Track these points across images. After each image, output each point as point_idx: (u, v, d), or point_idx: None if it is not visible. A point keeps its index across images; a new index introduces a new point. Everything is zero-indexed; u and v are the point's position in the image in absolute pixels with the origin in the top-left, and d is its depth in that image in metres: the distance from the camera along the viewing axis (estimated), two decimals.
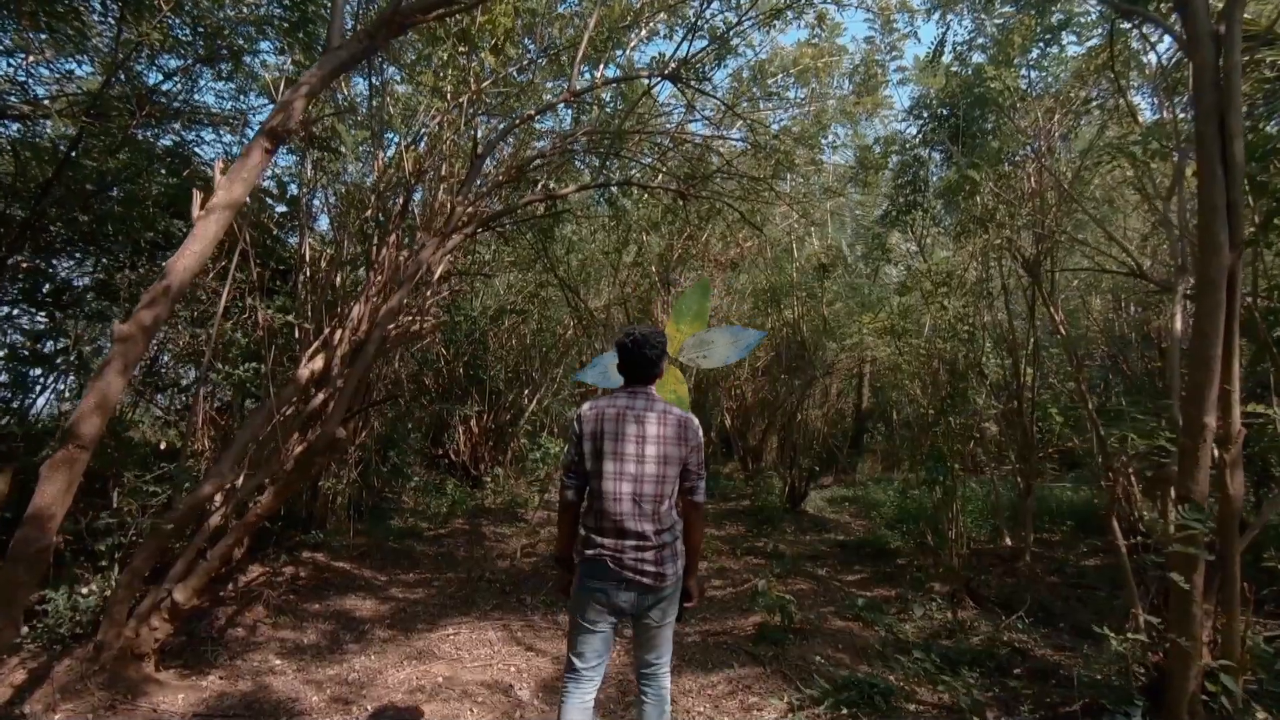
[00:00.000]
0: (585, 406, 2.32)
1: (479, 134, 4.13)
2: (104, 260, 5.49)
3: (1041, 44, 6.49)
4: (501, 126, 4.34)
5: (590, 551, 2.25)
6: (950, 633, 4.28)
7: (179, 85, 5.57)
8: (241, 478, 3.60)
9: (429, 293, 4.48)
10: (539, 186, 5.14)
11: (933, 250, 6.17)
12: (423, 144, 4.57)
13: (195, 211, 2.23)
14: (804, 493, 9.43)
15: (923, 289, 6.70)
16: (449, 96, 3.86)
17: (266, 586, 4.86)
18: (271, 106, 6.23)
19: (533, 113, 3.84)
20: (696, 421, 2.33)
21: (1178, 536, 2.64)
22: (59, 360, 5.33)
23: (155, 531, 3.22)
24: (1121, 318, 9.95)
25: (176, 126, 5.80)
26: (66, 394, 5.87)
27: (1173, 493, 3.17)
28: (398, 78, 5.77)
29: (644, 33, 5.71)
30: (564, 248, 8.22)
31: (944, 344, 5.64)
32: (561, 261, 8.09)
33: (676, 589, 2.31)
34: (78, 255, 5.63)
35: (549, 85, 6.05)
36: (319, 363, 3.97)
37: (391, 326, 4.32)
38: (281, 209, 5.92)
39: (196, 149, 6.00)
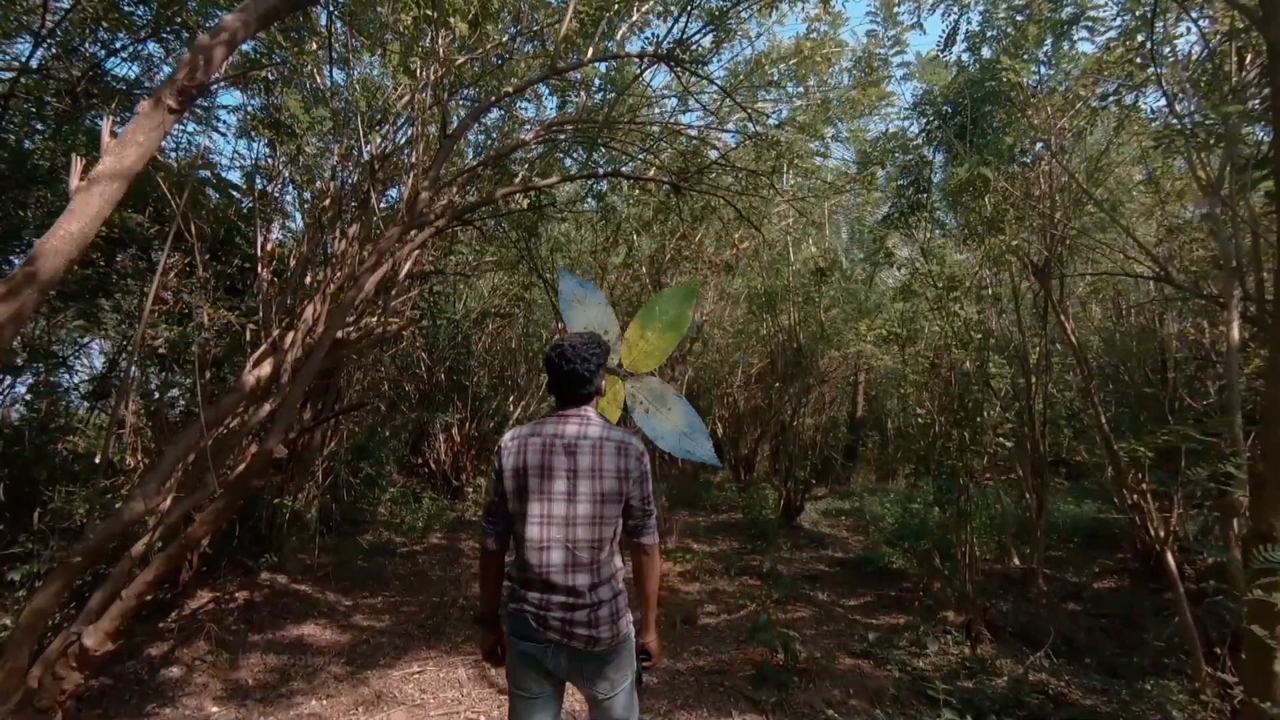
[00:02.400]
0: (506, 436, 1.92)
1: (450, 113, 3.71)
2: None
3: (1053, 37, 6.16)
4: (477, 106, 3.91)
5: (513, 605, 1.85)
6: (970, 671, 3.88)
7: (134, 69, 5.11)
8: (170, 500, 3.14)
9: (394, 291, 4.04)
10: (519, 179, 4.72)
11: (945, 252, 5.79)
12: (388, 129, 4.15)
13: (74, 182, 1.79)
14: (800, 506, 9.03)
15: (927, 295, 6.35)
16: (419, 72, 3.44)
17: (212, 617, 4.39)
18: (236, 91, 5.79)
19: (510, 89, 3.42)
20: (640, 446, 1.91)
21: (1260, 582, 2.24)
22: (18, 361, 4.91)
23: (63, 565, 2.75)
24: (1122, 326, 9.66)
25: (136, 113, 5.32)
26: (28, 396, 5.45)
27: (1236, 526, 2.79)
28: (372, 66, 5.36)
29: (635, 17, 5.32)
30: (549, 247, 7.80)
31: (956, 352, 5.25)
32: (546, 262, 7.66)
33: (622, 652, 1.87)
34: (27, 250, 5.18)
35: (534, 75, 5.64)
36: (267, 368, 3.52)
37: (351, 329, 3.89)
38: (248, 203, 5.48)
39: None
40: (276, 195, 5.48)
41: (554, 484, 1.81)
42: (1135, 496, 6.20)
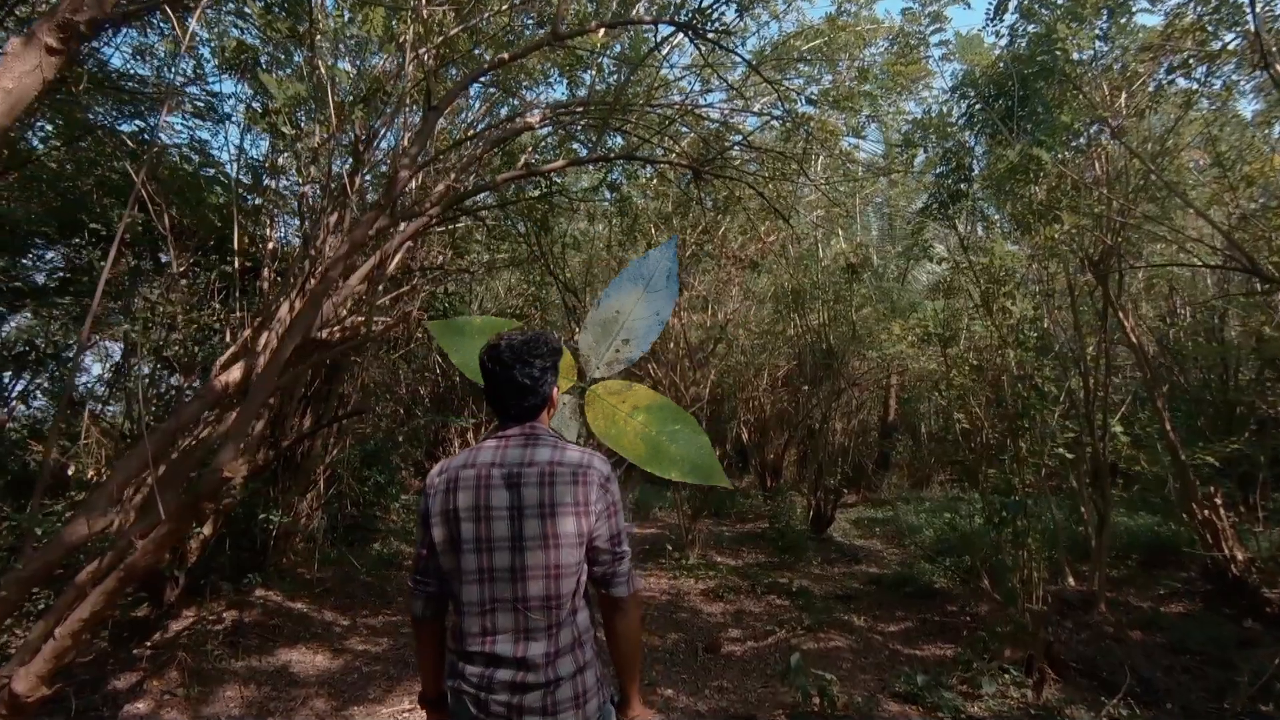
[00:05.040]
0: (433, 471, 1.51)
1: (435, 85, 3.33)
2: (68, 254, 4.85)
3: (1110, 9, 5.61)
4: (468, 74, 3.53)
5: (450, 682, 1.44)
6: None
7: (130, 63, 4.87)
8: (129, 520, 2.79)
9: (380, 287, 3.68)
10: (521, 164, 4.34)
11: (994, 243, 5.26)
12: (384, 108, 3.79)
13: None
14: (830, 516, 8.51)
15: (971, 291, 5.83)
16: (403, 36, 3.08)
17: (196, 640, 4.05)
18: (233, 84, 5.50)
19: (506, 56, 3.02)
20: (605, 468, 1.47)
21: None
22: (30, 358, 4.70)
23: None
24: (1177, 324, 8.99)
25: (131, 109, 5.07)
26: (39, 396, 5.26)
27: None
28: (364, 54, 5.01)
29: None
30: (563, 244, 7.41)
31: (1011, 354, 4.72)
32: (559, 260, 7.26)
33: None
34: (39, 250, 4.97)
35: (535, 67, 5.24)
36: (237, 373, 3.16)
37: (336, 328, 3.52)
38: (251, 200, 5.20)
39: (161, 135, 5.27)
40: (280, 190, 5.19)
41: (494, 527, 1.39)
42: (1206, 511, 5.60)
